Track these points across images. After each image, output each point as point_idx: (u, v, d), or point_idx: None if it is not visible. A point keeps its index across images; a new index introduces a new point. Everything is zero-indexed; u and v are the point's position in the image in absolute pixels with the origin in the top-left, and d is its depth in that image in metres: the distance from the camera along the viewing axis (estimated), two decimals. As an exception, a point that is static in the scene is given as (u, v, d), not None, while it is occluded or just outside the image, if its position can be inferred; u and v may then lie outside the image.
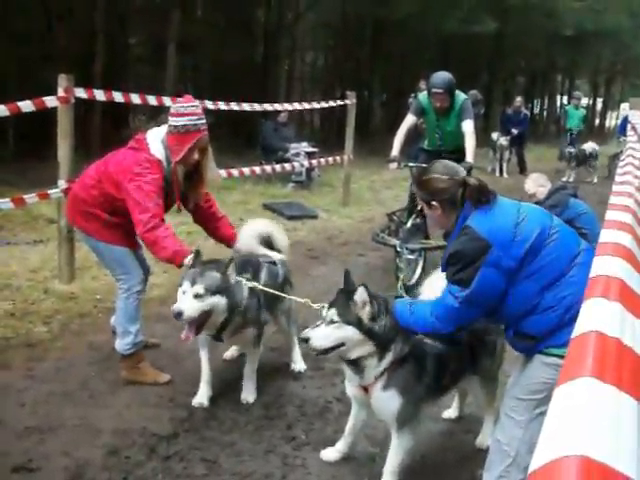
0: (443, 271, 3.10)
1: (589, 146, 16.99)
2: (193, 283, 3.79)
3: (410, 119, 7.23)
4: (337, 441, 3.79)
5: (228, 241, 4.76)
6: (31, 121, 11.24)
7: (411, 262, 6.96)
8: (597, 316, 1.50)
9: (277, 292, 4.33)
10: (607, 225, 2.51)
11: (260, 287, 4.17)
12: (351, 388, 3.51)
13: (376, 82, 24.58)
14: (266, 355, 5.04)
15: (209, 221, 4.80)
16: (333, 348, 3.26)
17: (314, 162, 11.72)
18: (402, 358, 3.29)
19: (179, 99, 4.53)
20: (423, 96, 7.23)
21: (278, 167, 10.94)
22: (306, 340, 3.28)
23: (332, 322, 3.24)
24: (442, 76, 6.91)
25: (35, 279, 6.38)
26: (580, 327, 1.46)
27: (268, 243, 4.70)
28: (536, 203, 6.29)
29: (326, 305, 3.39)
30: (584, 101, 24.07)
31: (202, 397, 4.31)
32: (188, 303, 3.77)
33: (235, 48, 18.17)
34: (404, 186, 10.48)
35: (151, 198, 4.11)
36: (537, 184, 6.28)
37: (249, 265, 4.32)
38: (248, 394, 4.39)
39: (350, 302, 3.23)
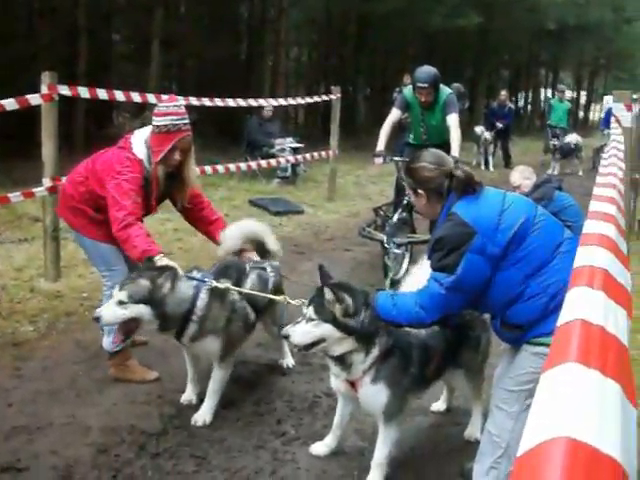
0: (429, 258, 3.10)
1: (573, 138, 17.01)
2: (120, 289, 3.73)
3: (395, 113, 7.24)
4: (326, 435, 3.80)
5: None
6: (15, 120, 11.20)
7: (398, 257, 6.97)
8: (582, 305, 1.52)
9: (254, 292, 4.19)
10: (591, 216, 2.54)
11: (232, 288, 4.06)
12: (337, 383, 3.51)
13: (360, 77, 24.61)
14: (253, 351, 5.04)
15: (201, 223, 4.74)
16: (314, 344, 3.29)
17: (299, 157, 11.72)
18: (388, 351, 3.30)
19: (164, 97, 4.50)
20: (408, 90, 7.24)
21: (263, 163, 10.95)
22: (287, 337, 3.33)
23: (311, 319, 3.26)
24: (427, 70, 6.92)
25: (21, 278, 6.35)
26: (565, 315, 1.48)
27: (258, 245, 4.58)
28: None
29: (305, 302, 3.41)
30: (568, 94, 24.17)
31: (190, 394, 4.30)
32: (109, 309, 3.73)
33: (219, 44, 18.13)
34: (389, 181, 10.50)
35: (129, 196, 4.09)
36: (523, 176, 6.30)
37: (232, 270, 4.22)
38: (200, 415, 4.06)
39: (325, 300, 3.25)
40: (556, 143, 16.81)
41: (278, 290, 4.56)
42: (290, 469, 3.60)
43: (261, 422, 4.09)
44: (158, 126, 4.21)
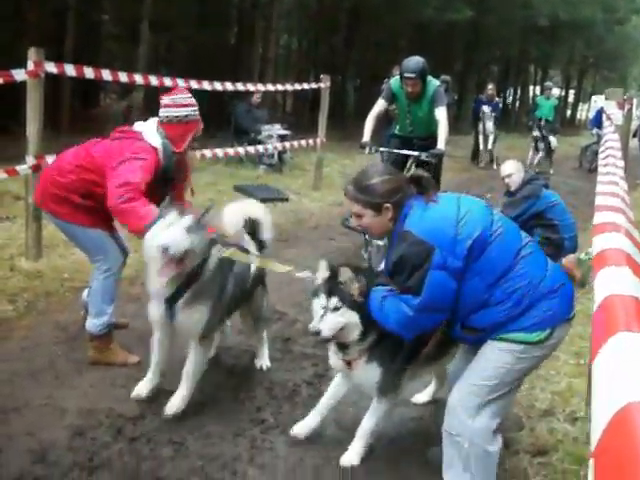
0: (389, 276, 3.04)
1: (552, 140, 16.72)
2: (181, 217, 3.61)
3: (381, 104, 7.21)
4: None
5: None
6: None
7: (380, 248, 6.95)
8: (613, 282, 1.71)
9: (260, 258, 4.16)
10: (599, 209, 2.72)
11: (237, 254, 3.91)
12: (335, 360, 3.51)
13: (350, 67, 24.54)
14: (234, 338, 5.00)
15: None
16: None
17: (286, 145, 11.68)
18: (382, 334, 3.24)
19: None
20: (395, 81, 7.21)
21: (250, 149, 10.90)
22: (317, 333, 3.22)
23: (336, 309, 3.20)
24: (415, 61, 6.88)
25: (1, 257, 6.27)
26: (600, 294, 1.67)
27: (252, 229, 4.45)
28: (509, 194, 6.33)
29: (310, 274, 3.46)
30: (555, 92, 24.15)
31: (142, 388, 4.06)
32: (174, 233, 3.53)
33: (209, 28, 18.00)
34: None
35: (137, 175, 3.96)
36: (515, 168, 6.36)
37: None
38: (173, 404, 3.87)
39: (342, 286, 3.20)
40: (538, 135, 16.61)
41: (261, 277, 4.51)
42: (268, 457, 3.59)
43: (240, 409, 4.07)
44: (178, 116, 4.27)
